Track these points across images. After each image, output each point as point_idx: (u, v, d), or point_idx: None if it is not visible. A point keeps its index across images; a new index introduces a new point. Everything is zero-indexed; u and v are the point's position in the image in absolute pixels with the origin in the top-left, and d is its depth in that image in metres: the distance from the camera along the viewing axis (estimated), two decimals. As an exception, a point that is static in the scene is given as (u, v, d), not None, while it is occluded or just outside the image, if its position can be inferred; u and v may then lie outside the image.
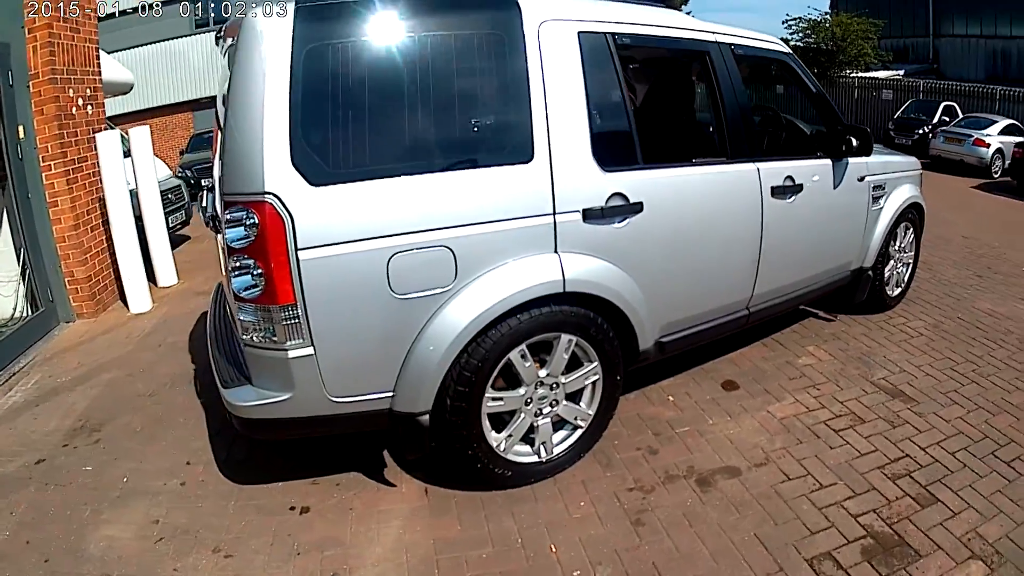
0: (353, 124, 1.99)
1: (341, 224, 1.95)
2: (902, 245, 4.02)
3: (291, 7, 1.92)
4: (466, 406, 2.22)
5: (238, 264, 1.96)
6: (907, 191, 3.85)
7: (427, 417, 2.20)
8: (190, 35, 19.44)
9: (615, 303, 2.44)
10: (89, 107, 4.50)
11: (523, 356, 2.31)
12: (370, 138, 2.01)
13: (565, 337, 2.37)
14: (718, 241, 2.79)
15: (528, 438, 2.48)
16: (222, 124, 2.09)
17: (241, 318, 2.05)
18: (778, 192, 2.94)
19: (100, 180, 4.50)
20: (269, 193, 1.88)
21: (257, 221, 1.90)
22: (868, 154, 3.31)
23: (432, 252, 2.05)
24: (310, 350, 2.01)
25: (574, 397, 2.54)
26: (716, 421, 2.89)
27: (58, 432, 3.12)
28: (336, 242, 1.95)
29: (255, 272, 1.95)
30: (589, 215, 2.33)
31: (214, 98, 2.82)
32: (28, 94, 4.07)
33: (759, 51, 3.17)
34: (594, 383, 2.53)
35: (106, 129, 4.62)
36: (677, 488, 2.48)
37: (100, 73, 4.68)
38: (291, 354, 2.00)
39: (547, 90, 2.24)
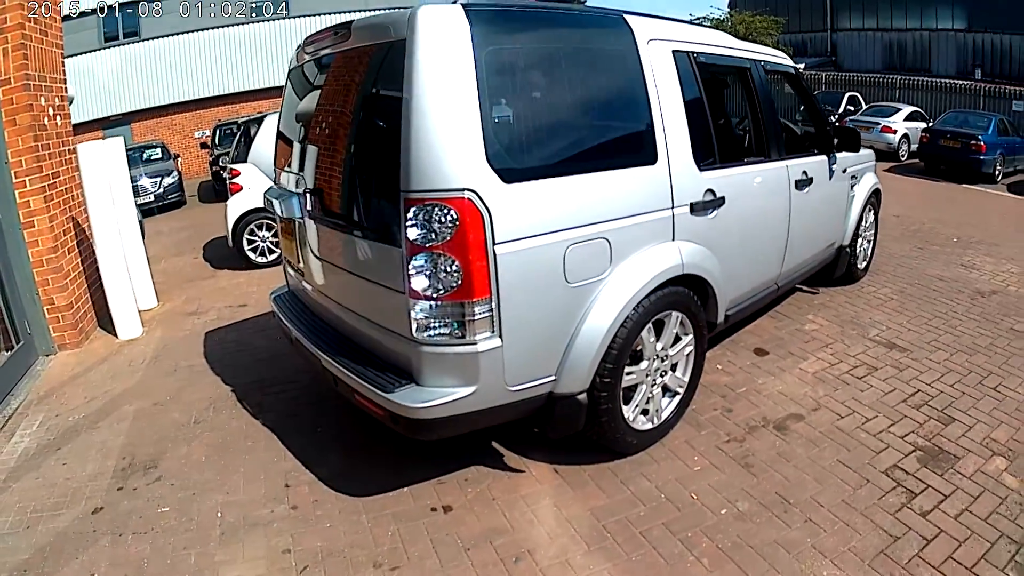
0: (532, 125, 2.00)
1: (529, 219, 1.92)
2: (867, 224, 4.33)
3: (459, 10, 1.85)
4: (612, 382, 2.23)
5: (426, 261, 1.85)
6: (871, 179, 4.31)
7: (585, 396, 2.19)
8: (98, 50, 16.46)
9: (710, 283, 2.57)
10: (58, 118, 3.69)
11: (649, 332, 2.35)
12: (547, 138, 2.03)
13: (675, 314, 2.45)
14: (765, 227, 3.03)
15: (643, 408, 2.47)
16: (354, 126, 2.09)
17: (419, 316, 1.90)
18: (799, 184, 3.21)
19: (79, 196, 3.74)
20: (468, 190, 1.80)
21: (456, 217, 1.79)
22: (856, 151, 3.68)
23: (596, 243, 2.10)
24: (498, 342, 1.93)
25: (673, 368, 2.57)
26: (764, 380, 3.07)
27: (103, 475, 2.59)
28: (526, 236, 1.92)
29: (449, 268, 1.84)
30: (694, 208, 2.47)
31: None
32: (-4, 102, 3.25)
33: (778, 66, 3.46)
34: (688, 354, 2.61)
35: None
36: (762, 435, 2.61)
37: (66, 81, 3.85)
38: (480, 347, 1.91)
39: (660, 99, 2.35)
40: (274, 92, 15.92)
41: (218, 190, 10.93)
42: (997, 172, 10.51)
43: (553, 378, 2.12)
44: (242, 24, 15.53)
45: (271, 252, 5.60)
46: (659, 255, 2.29)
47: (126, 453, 2.74)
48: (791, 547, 1.98)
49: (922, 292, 4.27)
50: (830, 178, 3.57)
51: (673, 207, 2.37)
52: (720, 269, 2.61)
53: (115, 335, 4.01)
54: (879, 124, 12.79)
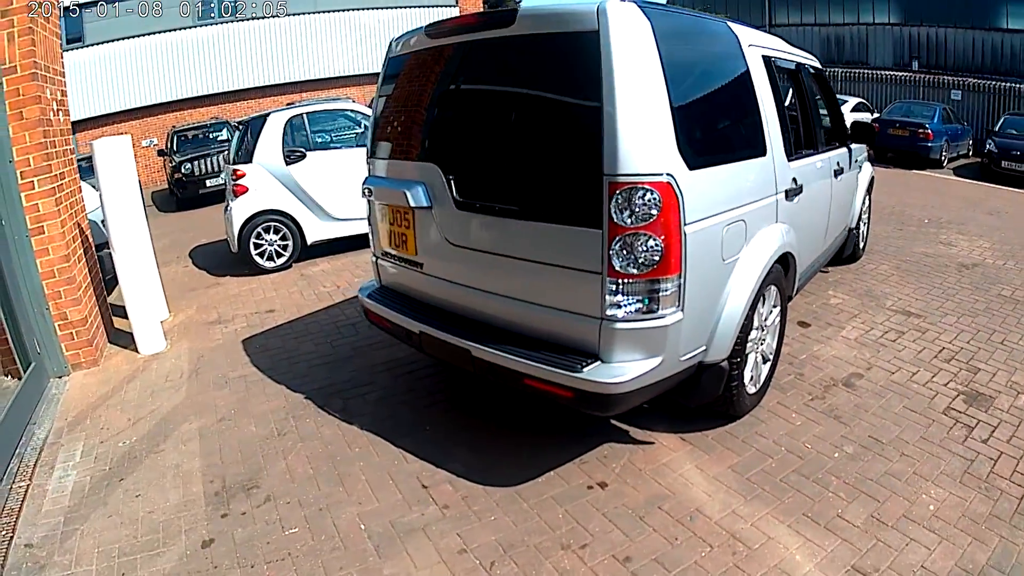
0: (696, 117, 2.02)
1: (704, 202, 1.95)
2: (865, 208, 4.46)
3: (636, 8, 1.83)
4: (743, 350, 2.27)
5: (627, 242, 1.80)
6: (868, 167, 4.61)
7: (726, 363, 2.19)
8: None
9: (795, 259, 2.66)
10: (61, 113, 2.99)
11: (762, 304, 2.39)
12: (706, 130, 2.11)
13: (773, 288, 2.52)
14: (819, 211, 3.19)
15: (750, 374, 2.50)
16: (526, 113, 2.02)
17: (614, 294, 1.82)
18: (836, 173, 3.42)
19: (81, 200, 3.04)
20: (668, 174, 1.81)
21: (659, 199, 1.76)
22: (871, 143, 3.94)
23: (738, 225, 2.17)
24: (680, 315, 1.92)
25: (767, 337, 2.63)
26: (818, 348, 3.20)
27: (194, 503, 2.15)
28: (702, 217, 1.95)
29: (649, 247, 1.79)
30: (789, 194, 2.58)
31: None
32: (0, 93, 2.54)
33: (813, 68, 3.65)
34: (776, 324, 2.68)
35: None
36: (836, 392, 2.72)
37: (65, 74, 3.12)
38: (668, 321, 1.89)
39: (762, 98, 2.43)
40: (225, 97, 14.24)
41: (180, 198, 9.63)
42: (943, 158, 10.71)
43: (704, 348, 2.11)
44: (190, 28, 13.72)
45: (279, 256, 5.00)
46: (773, 235, 2.40)
47: (211, 475, 2.29)
48: (899, 476, 2.12)
49: (915, 267, 4.61)
50: (850, 167, 3.82)
51: (776, 193, 2.46)
52: (798, 248, 2.71)
53: (135, 350, 3.35)
54: (827, 116, 13.41)
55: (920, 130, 10.40)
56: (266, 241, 4.92)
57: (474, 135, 2.17)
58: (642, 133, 1.75)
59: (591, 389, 1.82)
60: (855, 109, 12.88)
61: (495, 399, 2.70)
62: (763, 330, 2.50)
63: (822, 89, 3.83)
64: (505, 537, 1.88)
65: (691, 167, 1.87)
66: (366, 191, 2.55)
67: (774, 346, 2.67)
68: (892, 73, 15.22)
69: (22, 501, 2.15)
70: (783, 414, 2.53)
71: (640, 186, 1.75)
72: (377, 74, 2.66)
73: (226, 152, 9.34)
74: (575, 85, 1.85)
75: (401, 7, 14.85)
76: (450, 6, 15.29)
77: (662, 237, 1.78)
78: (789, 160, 2.61)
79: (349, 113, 5.52)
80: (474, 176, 2.14)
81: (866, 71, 16.07)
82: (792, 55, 3.20)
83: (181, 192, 9.47)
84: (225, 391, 2.95)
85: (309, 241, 4.99)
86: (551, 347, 1.96)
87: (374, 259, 2.73)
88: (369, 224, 2.71)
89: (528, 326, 2.04)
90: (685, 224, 1.83)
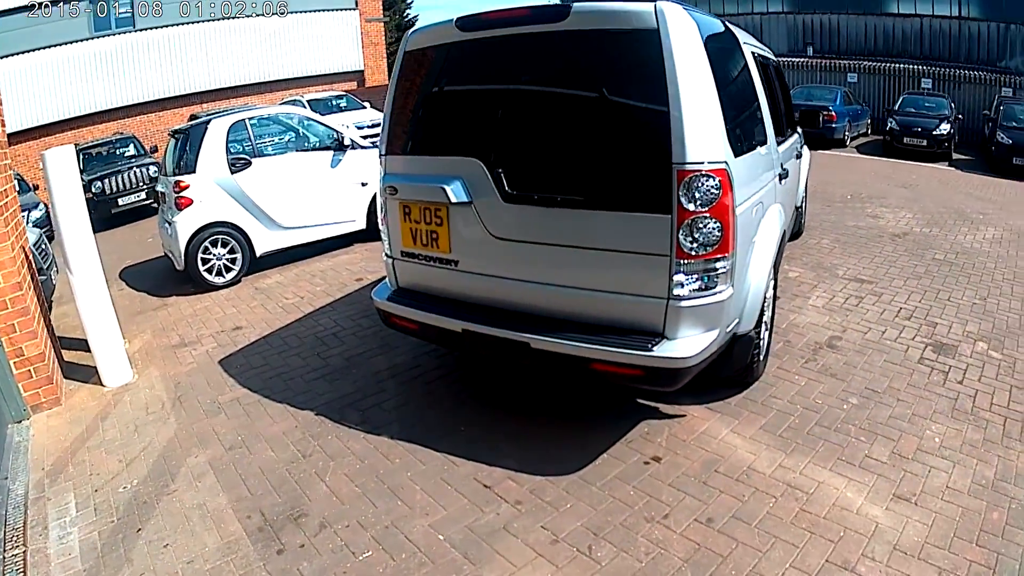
0: (732, 108, 2.22)
1: (743, 186, 2.16)
2: (805, 187, 5.21)
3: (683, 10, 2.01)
4: (762, 319, 2.52)
5: (693, 224, 1.98)
6: (807, 151, 5.11)
7: (754, 333, 2.43)
8: None
9: (785, 235, 3.02)
10: (1, 125, 2.61)
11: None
12: (738, 121, 2.28)
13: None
14: (792, 192, 3.60)
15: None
16: (583, 106, 2.12)
17: (681, 275, 1.99)
18: (796, 156, 3.85)
19: (21, 220, 2.66)
20: (724, 162, 1.99)
21: (719, 184, 1.94)
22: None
23: (759, 206, 2.42)
24: (731, 290, 2.11)
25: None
26: (794, 317, 3.58)
27: (238, 543, 2.03)
28: (743, 201, 2.16)
29: (711, 229, 1.97)
30: (781, 178, 2.95)
31: None
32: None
33: (776, 63, 4.06)
34: (772, 297, 2.95)
35: None
36: (824, 354, 3.08)
37: None
38: (723, 296, 2.08)
39: (758, 90, 2.74)
40: (124, 112, 12.85)
41: (92, 219, 8.51)
42: (846, 137, 11.59)
43: (738, 320, 2.32)
44: (83, 41, 12.15)
45: (228, 270, 4.67)
46: (776, 215, 2.70)
47: (246, 510, 2.16)
48: (902, 418, 2.49)
49: (853, 239, 5.20)
50: (801, 149, 4.29)
51: (775, 177, 2.78)
52: (787, 225, 3.06)
53: (100, 383, 3.02)
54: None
55: (824, 112, 11.24)
56: (214, 255, 4.60)
57: (526, 129, 2.21)
58: (703, 125, 1.93)
59: (662, 365, 1.97)
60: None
61: (517, 391, 2.78)
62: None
63: (779, 79, 4.27)
64: (590, 521, 1.97)
65: (736, 155, 2.09)
66: (387, 189, 2.51)
67: (770, 316, 2.97)
68: (789, 59, 16.26)
69: (23, 572, 1.89)
70: (786, 377, 2.83)
71: (705, 173, 1.93)
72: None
73: (136, 169, 8.72)
74: (638, 80, 1.99)
75: (302, 11, 14.35)
76: (350, 9, 15.14)
77: (721, 219, 1.97)
78: (778, 145, 2.94)
79: (293, 117, 5.34)
80: (528, 169, 2.19)
81: (763, 58, 18.04)
82: (763, 50, 3.57)
83: (93, 212, 8.46)
84: (221, 417, 2.77)
85: (259, 253, 4.76)
86: (611, 331, 2.08)
87: (388, 260, 2.69)
88: (383, 224, 2.66)
89: (585, 313, 2.14)
90: (735, 206, 2.02)
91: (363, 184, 5.13)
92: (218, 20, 13.47)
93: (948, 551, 1.78)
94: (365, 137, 5.61)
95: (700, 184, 1.92)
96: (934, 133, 10.09)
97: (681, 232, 1.95)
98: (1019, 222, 5.86)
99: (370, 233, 5.23)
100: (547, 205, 2.15)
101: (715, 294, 2.03)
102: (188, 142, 4.53)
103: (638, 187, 2.00)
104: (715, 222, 1.96)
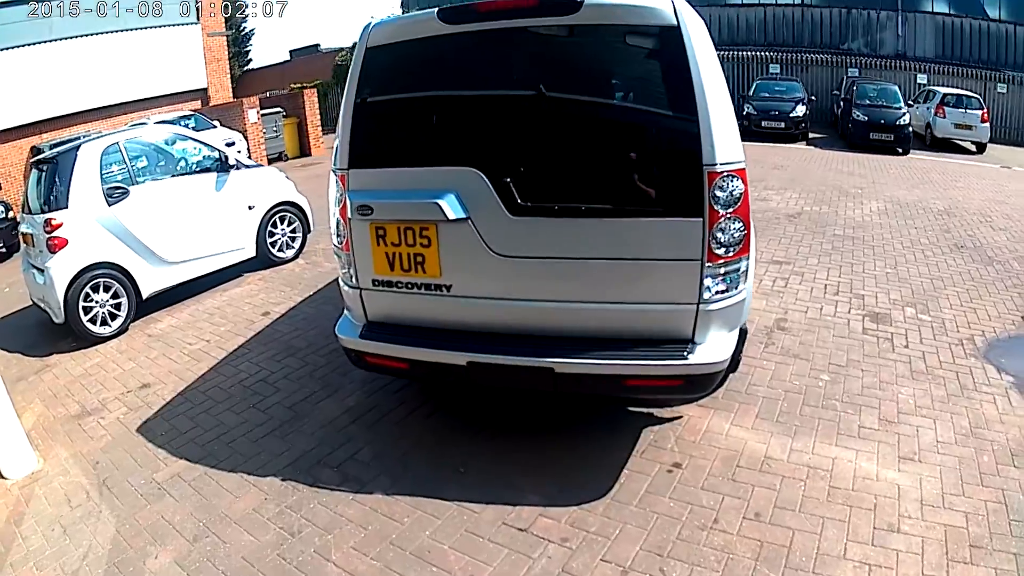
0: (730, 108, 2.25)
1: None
2: None
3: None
4: None
5: (723, 226, 1.98)
6: None
7: (745, 326, 2.50)
8: None
9: None
10: None
11: None
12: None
13: None
14: None
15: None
16: (602, 107, 2.10)
17: (711, 278, 1.99)
18: None
19: None
20: (743, 161, 2.00)
21: (742, 184, 1.97)
22: None
23: None
24: (749, 288, 2.18)
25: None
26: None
27: None
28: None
29: (736, 229, 1.99)
30: None
31: None
32: None
33: None
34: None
35: None
36: (777, 336, 3.32)
37: None
38: (744, 295, 2.13)
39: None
40: None
41: None
42: None
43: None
44: None
45: (114, 318, 3.99)
46: None
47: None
48: (873, 386, 2.78)
49: (754, 223, 5.67)
50: None
51: None
52: None
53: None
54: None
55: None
56: (96, 302, 3.91)
57: (540, 134, 2.10)
58: (725, 124, 1.95)
59: (700, 372, 1.97)
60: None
61: (491, 413, 2.67)
62: None
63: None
64: (648, 542, 1.92)
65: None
66: (360, 209, 2.22)
67: None
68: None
69: None
70: (755, 364, 3.01)
71: (731, 174, 1.95)
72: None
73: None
74: (663, 79, 1.99)
75: (140, 28, 13.31)
76: (191, 23, 14.35)
77: (744, 219, 1.99)
78: None
79: (169, 136, 4.75)
80: (544, 178, 2.08)
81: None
82: None
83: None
84: (168, 501, 2.31)
85: (145, 295, 4.14)
86: (639, 344, 2.03)
87: (352, 291, 2.40)
88: (344, 250, 2.37)
89: (609, 328, 2.08)
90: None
91: (250, 207, 4.75)
92: (48, 43, 11.92)
93: (964, 496, 2.02)
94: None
95: (727, 185, 1.94)
96: (791, 115, 11.37)
97: (712, 235, 1.96)
98: (895, 193, 6.87)
99: (260, 261, 4.89)
100: (569, 216, 2.04)
101: (738, 294, 2.07)
102: (56, 172, 3.84)
103: (669, 191, 2.00)
104: (739, 222, 1.98)
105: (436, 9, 2.11)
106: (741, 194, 1.97)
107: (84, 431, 2.90)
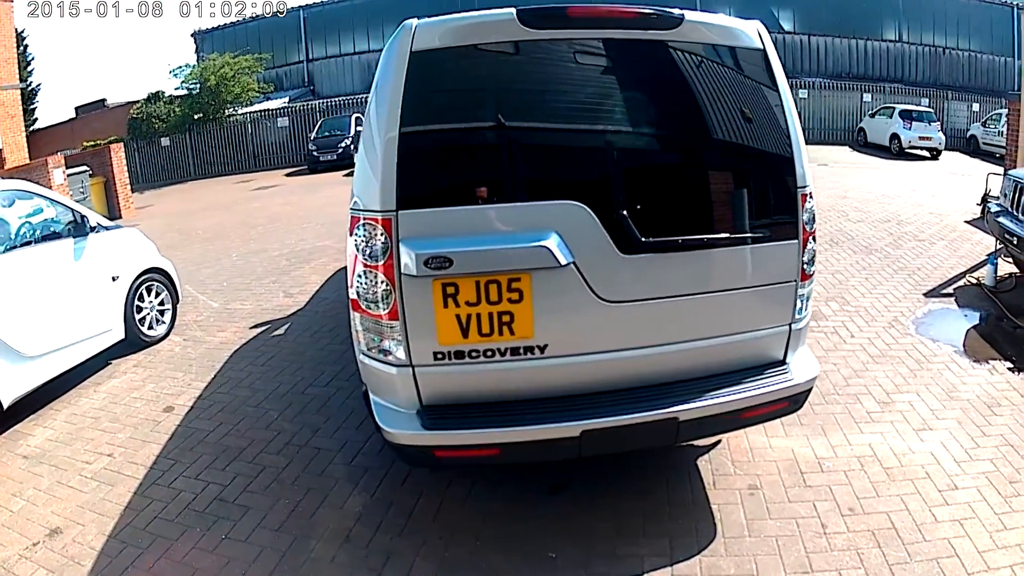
0: None
1: None
2: None
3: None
4: None
5: (809, 247, 2.16)
6: None
7: None
8: None
9: None
10: None
11: None
12: None
13: None
14: None
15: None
16: (703, 128, 2.14)
17: (799, 301, 2.20)
18: None
19: None
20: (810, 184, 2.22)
21: (815, 205, 2.19)
22: None
23: None
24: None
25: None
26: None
27: None
28: None
29: (813, 248, 2.19)
30: None
31: None
32: None
33: None
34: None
35: None
36: None
37: None
38: (811, 309, 2.34)
39: None
40: None
41: None
42: None
43: None
44: None
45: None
46: None
47: None
48: (852, 375, 3.30)
49: None
50: None
51: None
52: None
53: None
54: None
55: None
56: None
57: (647, 160, 2.13)
58: (802, 146, 2.12)
59: (803, 390, 2.15)
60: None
61: (527, 484, 2.54)
62: None
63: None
64: (789, 565, 2.04)
65: None
66: (430, 262, 1.86)
67: None
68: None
69: None
70: None
71: (810, 194, 2.14)
72: None
73: None
74: (759, 101, 2.12)
75: None
76: None
77: (815, 239, 2.18)
78: None
79: (9, 194, 3.82)
80: (664, 210, 2.06)
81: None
82: None
83: None
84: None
85: (6, 403, 3.27)
86: (743, 373, 2.13)
87: (401, 370, 2.00)
88: (396, 318, 1.95)
89: (716, 363, 2.13)
90: None
91: (114, 278, 4.08)
92: None
93: (980, 447, 2.55)
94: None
95: (810, 206, 2.14)
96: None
97: (805, 255, 2.14)
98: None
99: (129, 343, 4.19)
100: (689, 249, 2.01)
101: (809, 310, 2.28)
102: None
103: (775, 215, 2.13)
104: (814, 242, 2.19)
105: (514, 9, 1.90)
106: (814, 214, 2.18)
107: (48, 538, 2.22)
